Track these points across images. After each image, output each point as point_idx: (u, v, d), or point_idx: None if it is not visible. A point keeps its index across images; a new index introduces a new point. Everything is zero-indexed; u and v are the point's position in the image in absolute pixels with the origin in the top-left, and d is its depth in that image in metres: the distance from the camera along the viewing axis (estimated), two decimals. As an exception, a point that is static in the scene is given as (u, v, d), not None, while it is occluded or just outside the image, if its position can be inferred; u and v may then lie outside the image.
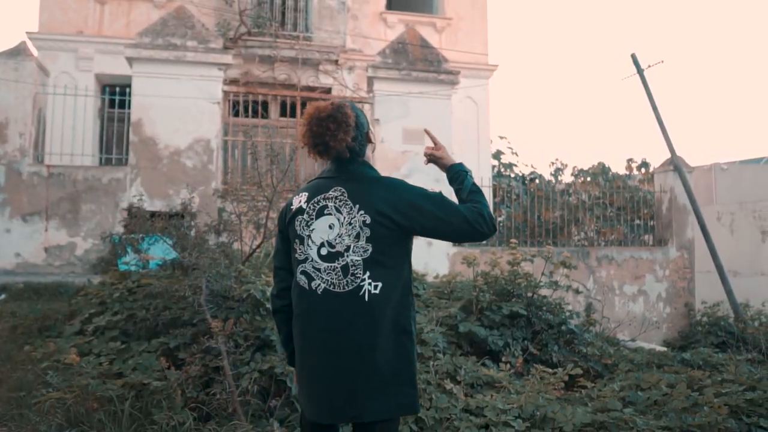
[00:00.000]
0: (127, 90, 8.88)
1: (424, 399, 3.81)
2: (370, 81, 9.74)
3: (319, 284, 2.15)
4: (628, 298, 10.76)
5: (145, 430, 3.44)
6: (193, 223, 5.08)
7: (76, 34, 11.81)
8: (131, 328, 4.51)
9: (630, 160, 13.98)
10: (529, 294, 5.74)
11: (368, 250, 2.12)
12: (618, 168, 14.21)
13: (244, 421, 3.51)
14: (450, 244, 9.03)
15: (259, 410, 3.70)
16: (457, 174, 2.37)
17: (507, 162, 15.47)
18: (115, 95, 9.62)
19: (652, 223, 11.77)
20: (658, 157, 42.53)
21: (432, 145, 2.50)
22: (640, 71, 11.87)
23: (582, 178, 13.54)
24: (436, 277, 7.27)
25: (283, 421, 3.65)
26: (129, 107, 8.79)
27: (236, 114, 11.08)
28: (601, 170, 13.48)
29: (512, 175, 15.16)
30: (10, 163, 8.57)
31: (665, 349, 7.20)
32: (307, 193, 2.26)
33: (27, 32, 11.52)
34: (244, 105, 10.66)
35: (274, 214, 5.12)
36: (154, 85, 8.43)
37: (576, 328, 5.71)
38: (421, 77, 9.70)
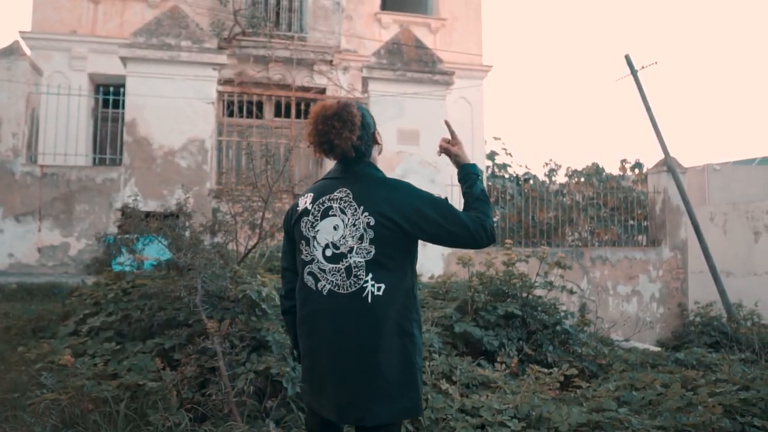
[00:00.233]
0: (121, 90, 8.85)
1: (420, 399, 3.80)
2: (365, 81, 9.74)
3: (325, 285, 2.16)
4: (621, 299, 10.81)
5: (141, 431, 3.42)
6: (188, 224, 5.06)
7: (70, 34, 11.76)
8: (126, 328, 4.49)
9: (624, 161, 14.06)
10: (524, 294, 5.75)
11: (371, 251, 2.11)
12: (612, 169, 14.28)
13: (240, 421, 3.50)
14: (445, 244, 9.04)
15: (255, 411, 3.69)
16: (468, 176, 2.36)
17: (501, 162, 15.51)
18: (109, 95, 9.58)
19: (645, 223, 11.82)
20: (651, 157, 42.71)
21: (449, 137, 2.49)
22: (633, 72, 11.92)
23: (576, 179, 13.59)
24: (431, 277, 7.28)
25: (279, 422, 3.64)
26: (123, 107, 8.76)
27: (231, 114, 11.06)
28: (595, 171, 13.54)
29: (506, 176, 15.20)
30: (3, 163, 8.53)
31: (659, 349, 7.23)
32: (312, 194, 2.26)
33: (20, 31, 11.46)
34: (239, 105, 10.64)
35: (269, 215, 5.11)
36: (149, 85, 8.40)
37: (571, 328, 5.72)
38: (415, 78, 9.70)
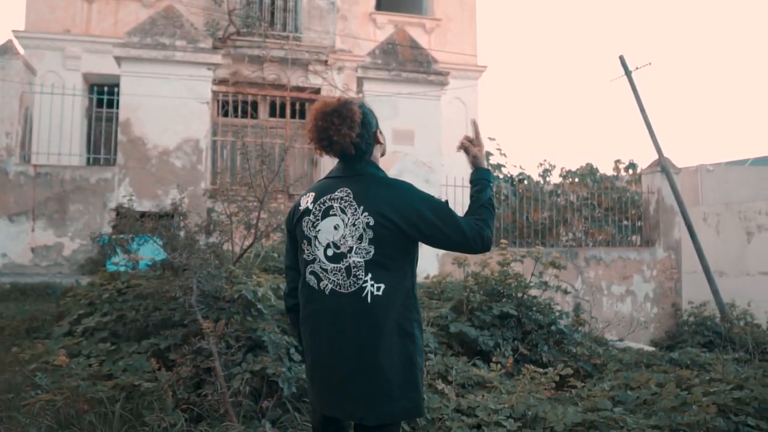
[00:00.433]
0: (115, 89, 8.82)
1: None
2: (360, 81, 9.74)
3: (327, 284, 2.17)
4: (616, 299, 10.84)
5: (136, 432, 3.42)
6: (183, 224, 5.05)
7: (64, 33, 11.72)
8: (121, 329, 4.47)
9: (618, 161, 14.07)
10: (519, 294, 5.76)
11: (371, 252, 2.12)
12: (606, 169, 14.31)
13: (236, 422, 3.50)
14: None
15: (251, 411, 3.68)
16: (479, 181, 2.35)
17: (496, 163, 15.53)
18: (103, 95, 9.56)
19: (639, 223, 11.86)
20: (645, 158, 42.83)
21: (471, 136, 2.49)
22: (627, 73, 11.95)
23: (570, 179, 13.61)
24: (427, 277, 7.28)
25: (275, 422, 3.64)
26: (117, 107, 8.74)
27: (225, 114, 11.05)
28: (589, 171, 13.55)
29: (501, 176, 15.23)
30: (-3, 162, 8.50)
31: (653, 348, 7.26)
32: (314, 194, 2.27)
33: (13, 30, 11.41)
34: (234, 105, 10.63)
35: (264, 215, 5.11)
36: (143, 84, 8.38)
37: (566, 328, 5.74)
38: (410, 78, 9.71)
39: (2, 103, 8.63)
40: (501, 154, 15.82)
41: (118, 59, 8.44)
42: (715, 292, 11.02)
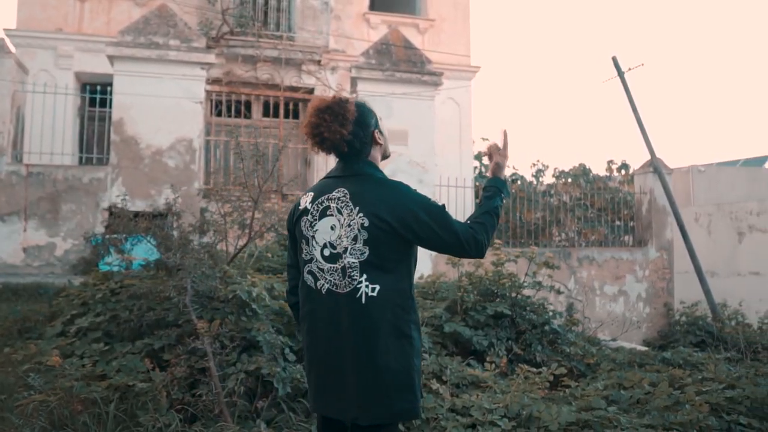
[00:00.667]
0: (108, 89, 8.78)
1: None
2: (354, 81, 9.74)
3: (324, 284, 2.18)
4: (608, 299, 10.88)
5: (130, 432, 3.41)
6: (177, 224, 5.04)
7: (56, 32, 11.64)
8: (114, 329, 4.45)
9: (610, 162, 14.14)
10: (513, 294, 5.78)
11: (365, 252, 2.12)
12: (598, 169, 14.39)
13: (231, 422, 3.49)
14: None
15: (246, 411, 3.68)
16: (492, 188, 2.35)
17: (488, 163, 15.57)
18: (96, 94, 9.51)
19: (632, 224, 11.91)
20: (637, 158, 43.07)
21: (498, 145, 2.49)
22: (620, 74, 11.99)
23: (563, 180, 13.66)
24: (421, 277, 7.29)
25: (270, 422, 3.64)
26: (109, 106, 8.69)
27: (219, 114, 11.02)
28: (582, 171, 13.61)
29: (494, 177, 15.24)
30: (-12, 162, 8.44)
31: (646, 348, 7.29)
32: (312, 194, 2.28)
33: (5, 29, 11.34)
34: (227, 105, 10.60)
35: (259, 215, 5.10)
36: (136, 83, 8.35)
37: (559, 328, 5.76)
38: (404, 78, 9.71)
39: (-6, 102, 8.58)
40: (494, 154, 15.86)
41: (111, 58, 8.40)
42: (707, 292, 11.07)
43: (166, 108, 8.43)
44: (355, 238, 2.12)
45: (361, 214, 2.13)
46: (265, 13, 12.62)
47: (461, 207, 11.09)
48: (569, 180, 13.51)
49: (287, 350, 4.10)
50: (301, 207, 2.29)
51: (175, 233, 5.06)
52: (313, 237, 2.21)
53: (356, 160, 2.26)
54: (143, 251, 5.25)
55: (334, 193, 2.20)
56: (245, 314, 4.24)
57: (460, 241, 2.16)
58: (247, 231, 5.06)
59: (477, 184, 13.52)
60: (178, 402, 3.64)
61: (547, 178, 14.35)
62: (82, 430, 3.36)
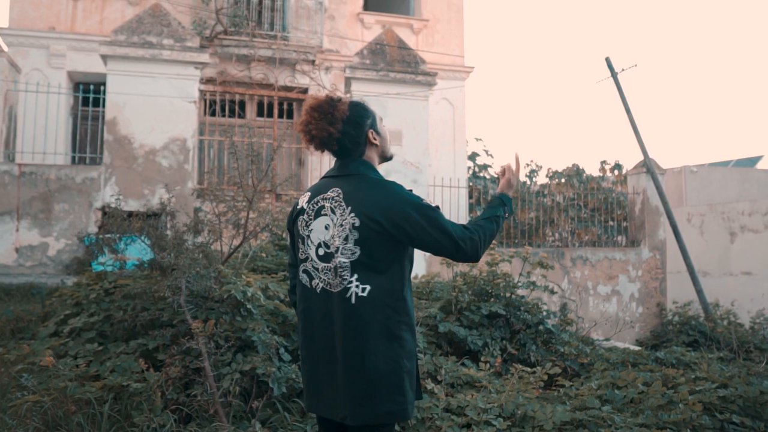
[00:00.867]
0: (102, 88, 8.74)
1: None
2: (348, 81, 9.74)
3: (318, 283, 2.20)
4: (602, 298, 10.93)
5: (125, 433, 3.39)
6: (171, 223, 5.02)
7: (48, 31, 11.59)
8: (108, 329, 4.43)
9: (603, 162, 14.19)
10: (508, 294, 5.79)
11: (356, 252, 2.12)
12: (592, 170, 14.43)
13: (226, 422, 3.48)
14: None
15: (241, 411, 3.67)
16: (498, 200, 2.37)
17: (482, 163, 15.59)
18: (89, 93, 9.47)
19: (625, 224, 11.97)
20: (630, 159, 43.27)
21: (512, 165, 2.51)
22: (614, 75, 12.05)
23: (556, 180, 13.70)
24: (415, 277, 7.30)
25: (265, 422, 3.63)
26: (102, 105, 8.66)
27: (212, 114, 10.99)
28: (576, 172, 13.66)
29: (487, 177, 15.29)
30: (-20, 161, 8.39)
31: (639, 348, 7.32)
32: (309, 193, 2.30)
33: (-3, 28, 11.30)
34: (221, 104, 10.58)
35: (253, 214, 5.09)
36: (130, 83, 8.32)
37: (553, 327, 5.77)
38: (398, 78, 9.72)
39: (-14, 101, 8.54)
40: (488, 154, 15.91)
41: (105, 57, 8.37)
42: (699, 292, 11.14)
43: (159, 107, 8.40)
44: (346, 238, 2.13)
45: (353, 214, 2.13)
46: (259, 13, 12.61)
47: (455, 207, 11.12)
48: (563, 180, 13.55)
49: (282, 350, 4.09)
50: (299, 206, 2.31)
51: (170, 233, 5.04)
52: (308, 236, 2.23)
53: (351, 160, 2.27)
54: (137, 251, 5.23)
55: (328, 193, 2.22)
56: (240, 314, 4.23)
57: (454, 240, 2.14)
58: (241, 231, 5.05)
59: (470, 184, 13.55)
60: (173, 402, 3.63)
61: (541, 179, 14.41)
62: (76, 430, 3.35)
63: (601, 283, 10.95)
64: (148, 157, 8.35)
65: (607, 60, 12.13)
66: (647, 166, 11.50)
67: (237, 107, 11.47)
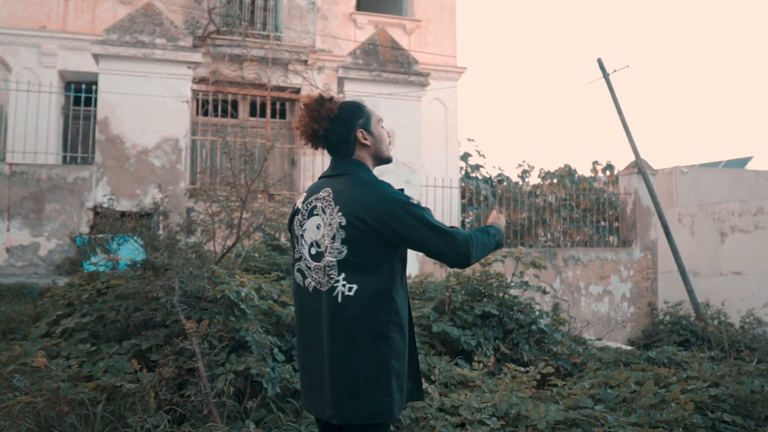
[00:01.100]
0: (93, 87, 8.70)
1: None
2: (341, 81, 9.74)
3: (310, 282, 2.21)
4: (593, 298, 10.97)
5: (118, 434, 3.38)
6: (164, 223, 5.00)
7: (39, 29, 11.52)
8: (101, 329, 4.41)
9: (595, 163, 14.26)
10: (500, 294, 5.80)
11: (343, 251, 2.13)
12: (584, 170, 14.51)
13: (220, 422, 3.48)
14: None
15: (235, 412, 3.67)
16: (491, 227, 2.43)
17: (474, 164, 15.63)
18: (81, 92, 9.42)
19: (616, 224, 12.02)
20: (622, 159, 43.48)
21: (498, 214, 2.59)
22: (605, 75, 12.09)
23: (549, 180, 13.75)
24: (408, 277, 7.31)
25: (259, 423, 3.63)
26: (94, 105, 8.61)
27: (205, 113, 10.96)
28: (568, 172, 13.71)
29: (480, 177, 15.33)
30: (-30, 161, 8.33)
31: (631, 347, 7.36)
32: (305, 194, 2.33)
33: (-14, 26, 11.21)
34: (213, 104, 10.55)
35: (247, 214, 5.08)
36: (122, 82, 8.28)
37: (546, 327, 5.79)
38: (391, 78, 9.73)
39: (-24, 100, 8.47)
40: (480, 155, 15.96)
41: (97, 57, 8.33)
42: (690, 292, 11.20)
43: (151, 107, 8.37)
44: (333, 237, 2.14)
45: (340, 213, 2.15)
46: (252, 13, 12.58)
47: (447, 207, 11.14)
48: (555, 181, 13.60)
49: (276, 350, 4.09)
50: (296, 207, 2.34)
51: (162, 233, 5.03)
52: (302, 236, 2.26)
53: (342, 160, 2.29)
54: (129, 251, 5.21)
55: (320, 193, 2.24)
56: (234, 314, 4.22)
57: (445, 238, 2.14)
58: (235, 231, 5.04)
59: (463, 184, 13.58)
60: (167, 403, 3.62)
61: (533, 179, 14.47)
62: (69, 431, 3.33)
63: (592, 283, 10.99)
64: (140, 156, 8.32)
65: (599, 61, 12.18)
66: (639, 167, 11.55)
67: (229, 107, 11.45)
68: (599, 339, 7.63)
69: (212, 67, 11.87)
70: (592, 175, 14.14)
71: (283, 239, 7.66)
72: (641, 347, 8.64)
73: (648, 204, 11.50)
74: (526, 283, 6.21)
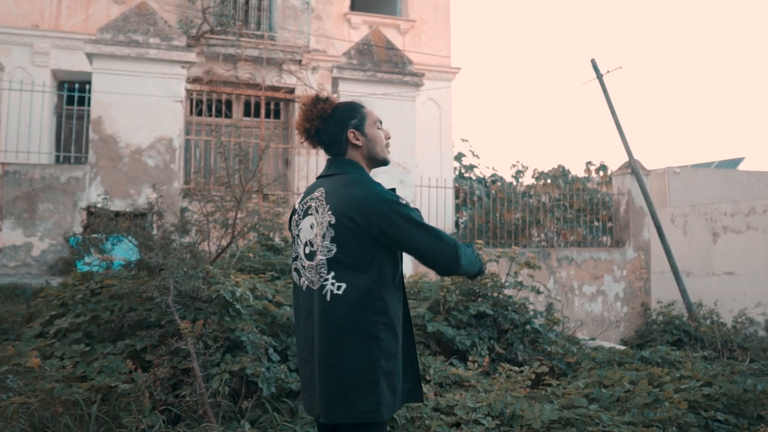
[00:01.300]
0: (87, 87, 8.66)
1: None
2: (335, 81, 9.74)
3: (305, 281, 2.24)
4: (587, 298, 11.00)
5: (113, 434, 3.37)
6: (159, 223, 4.99)
7: (32, 28, 11.46)
8: (95, 330, 4.39)
9: (589, 163, 14.30)
10: (495, 294, 5.82)
11: (332, 250, 2.14)
12: (577, 170, 14.55)
13: (215, 422, 3.48)
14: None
15: (230, 412, 3.67)
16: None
17: (468, 164, 15.65)
18: (74, 92, 9.37)
19: (610, 224, 12.05)
20: (615, 160, 43.65)
21: None
22: (599, 76, 12.14)
23: (542, 180, 13.78)
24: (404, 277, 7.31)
25: (254, 423, 3.63)
26: (87, 104, 8.57)
27: (199, 113, 10.93)
28: (561, 173, 13.74)
29: (474, 177, 15.35)
30: (-38, 160, 8.28)
31: (624, 347, 7.39)
32: (303, 194, 2.36)
33: (-21, 25, 11.15)
34: (207, 104, 10.52)
35: (241, 214, 5.08)
36: (115, 82, 8.25)
37: (540, 327, 5.81)
38: (385, 78, 9.73)
39: (-32, 99, 8.43)
40: (474, 155, 15.99)
41: (90, 56, 8.30)
42: (683, 292, 11.25)
43: (145, 107, 8.34)
44: (324, 236, 2.16)
45: (330, 212, 2.17)
46: (246, 12, 12.56)
47: (441, 207, 11.15)
48: (548, 181, 13.64)
49: (271, 350, 4.08)
50: (294, 207, 2.38)
51: (159, 232, 5.01)
52: (298, 236, 2.29)
53: (336, 160, 2.33)
54: (123, 251, 5.19)
55: (315, 193, 2.27)
56: (229, 314, 4.21)
57: (433, 238, 2.13)
58: (229, 231, 5.03)
59: (457, 185, 13.60)
60: (162, 403, 3.61)
61: (527, 179, 14.50)
62: (63, 432, 3.32)
63: (586, 283, 11.02)
64: (134, 156, 8.29)
65: (593, 62, 12.23)
66: (632, 167, 11.60)
67: (224, 107, 11.42)
68: (593, 339, 7.67)
69: (206, 67, 11.84)
70: (586, 175, 14.18)
71: (278, 239, 7.65)
72: (634, 347, 8.67)
73: (641, 204, 11.54)
74: (521, 283, 6.22)
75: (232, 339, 4.03)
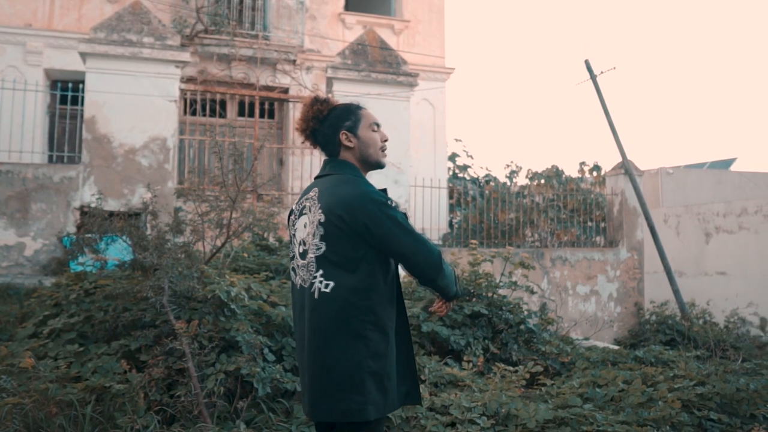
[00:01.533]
0: (80, 86, 8.62)
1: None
2: (330, 81, 9.73)
3: (299, 280, 2.27)
4: (581, 298, 11.03)
5: (107, 435, 3.36)
6: (154, 223, 4.98)
7: (25, 27, 11.41)
8: (89, 330, 4.37)
9: (582, 164, 14.31)
10: (490, 294, 5.83)
11: (321, 248, 2.17)
12: (571, 171, 14.57)
13: (210, 423, 3.47)
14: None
15: (225, 412, 3.66)
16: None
17: (462, 164, 15.65)
18: (67, 91, 9.33)
19: (603, 224, 12.09)
20: (609, 160, 43.79)
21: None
22: (593, 77, 12.18)
23: (536, 181, 13.80)
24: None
25: (249, 423, 3.63)
26: (81, 104, 8.54)
27: (193, 113, 10.90)
28: (555, 173, 13.77)
29: (467, 178, 15.36)
30: (-46, 160, 8.23)
31: (618, 347, 7.42)
32: (300, 195, 2.40)
33: (-29, 24, 11.08)
34: (201, 104, 10.50)
35: (236, 214, 5.07)
36: (109, 81, 8.22)
37: (535, 327, 5.83)
38: (380, 78, 9.73)
39: (-39, 98, 8.37)
40: (468, 155, 15.99)
41: (84, 55, 8.26)
42: (676, 292, 11.30)
43: (139, 106, 8.32)
44: (314, 234, 2.20)
45: (320, 211, 2.20)
46: (240, 12, 12.54)
47: (435, 207, 11.16)
48: (542, 181, 13.66)
49: (266, 350, 4.08)
50: (292, 207, 2.42)
51: (153, 232, 4.99)
52: (294, 235, 2.33)
53: (331, 160, 2.37)
54: (117, 251, 5.17)
55: (310, 193, 2.30)
56: (224, 314, 4.21)
57: (416, 243, 2.15)
58: (224, 231, 5.02)
59: (450, 185, 13.60)
60: (156, 403, 3.61)
61: (521, 179, 14.50)
62: (57, 432, 3.31)
63: (580, 283, 11.06)
64: (127, 156, 8.26)
65: (587, 63, 12.26)
66: (625, 168, 11.64)
67: (218, 107, 11.40)
68: (586, 338, 7.69)
69: (200, 67, 11.82)
70: (580, 175, 14.20)
71: (272, 239, 7.64)
72: (628, 347, 8.70)
73: (634, 204, 11.58)
74: (515, 283, 6.24)
75: (227, 339, 4.02)
